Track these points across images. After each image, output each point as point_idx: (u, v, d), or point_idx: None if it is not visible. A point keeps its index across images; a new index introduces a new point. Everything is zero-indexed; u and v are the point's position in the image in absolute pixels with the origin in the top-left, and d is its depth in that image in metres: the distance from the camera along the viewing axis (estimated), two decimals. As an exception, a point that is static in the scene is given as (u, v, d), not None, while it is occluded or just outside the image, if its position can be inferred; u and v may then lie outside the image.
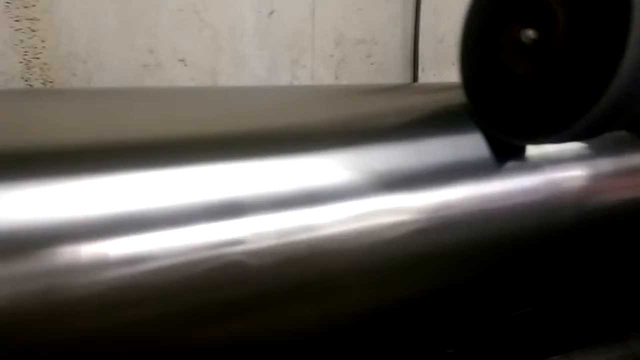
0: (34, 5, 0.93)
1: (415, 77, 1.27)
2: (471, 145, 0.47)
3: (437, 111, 0.51)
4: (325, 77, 1.21)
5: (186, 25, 1.05)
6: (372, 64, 1.24)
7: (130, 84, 1.05)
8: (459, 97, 0.50)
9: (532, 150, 0.48)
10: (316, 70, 1.20)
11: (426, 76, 1.29)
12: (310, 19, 1.14)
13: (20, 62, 0.95)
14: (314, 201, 0.41)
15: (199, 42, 1.07)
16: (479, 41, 0.46)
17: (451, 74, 1.26)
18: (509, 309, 0.56)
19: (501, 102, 0.44)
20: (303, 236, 0.40)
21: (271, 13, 1.11)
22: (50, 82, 1.00)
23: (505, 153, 0.46)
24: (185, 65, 1.08)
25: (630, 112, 0.38)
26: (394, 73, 1.27)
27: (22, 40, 0.94)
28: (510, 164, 0.47)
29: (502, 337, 0.63)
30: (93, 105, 0.50)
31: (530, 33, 0.39)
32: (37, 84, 0.98)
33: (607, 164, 0.49)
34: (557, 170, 0.49)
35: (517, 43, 0.40)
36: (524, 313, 0.60)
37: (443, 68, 1.27)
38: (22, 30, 0.94)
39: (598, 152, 0.49)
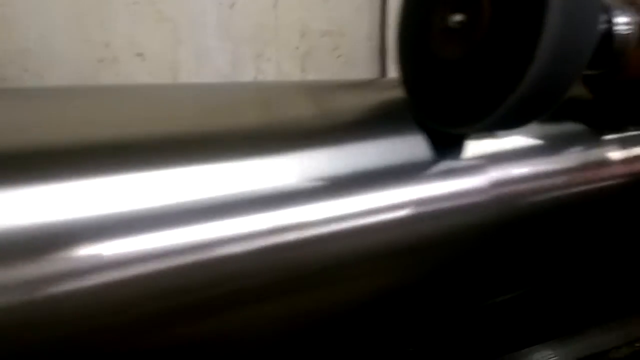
0: (-21, -1, 0.90)
1: (384, 70, 1.25)
2: (417, 143, 0.45)
3: (391, 108, 0.49)
4: (291, 70, 1.18)
5: (143, 18, 1.02)
6: (339, 56, 1.22)
7: (85, 79, 1.02)
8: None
9: (478, 148, 0.46)
10: (281, 63, 1.17)
11: (394, 67, 1.27)
12: (274, 10, 1.11)
13: (-33, 58, 0.92)
14: (252, 207, 0.38)
15: (157, 36, 1.04)
16: (412, 29, 0.44)
17: (421, 66, 1.24)
18: (460, 306, 0.55)
19: (433, 90, 0.42)
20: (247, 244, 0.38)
21: (233, 5, 1.08)
22: (3, 79, 0.97)
23: (450, 150, 0.45)
24: (144, 59, 1.04)
25: (550, 100, 0.37)
26: (363, 65, 1.24)
27: (-32, 35, 0.91)
28: (455, 161, 0.46)
29: (470, 331, 0.62)
30: (51, 104, 0.47)
31: (456, 17, 0.38)
32: (-14, 81, 0.94)
33: (554, 160, 0.50)
34: (501, 167, 0.48)
35: (445, 29, 0.39)
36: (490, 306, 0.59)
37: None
38: (-32, 25, 0.90)
39: (543, 148, 0.49)
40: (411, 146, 0.46)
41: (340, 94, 0.53)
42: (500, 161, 0.48)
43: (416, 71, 0.45)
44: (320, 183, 0.41)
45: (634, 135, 0.54)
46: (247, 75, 1.15)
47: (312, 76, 1.21)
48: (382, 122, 0.48)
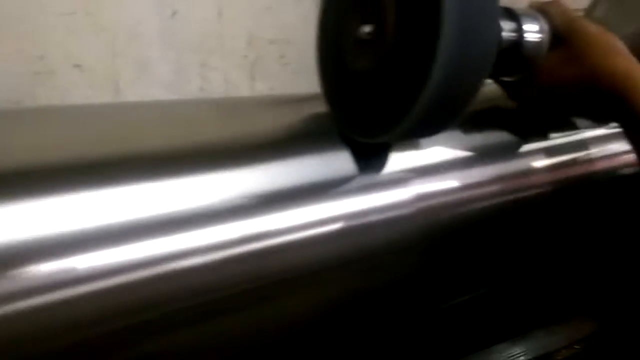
0: None
1: (334, 76, 1.25)
2: (342, 158, 0.45)
3: (318, 123, 0.48)
4: (239, 79, 1.16)
5: (79, 28, 0.98)
6: (286, 64, 1.21)
7: (21, 93, 0.98)
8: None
9: (404, 161, 0.46)
10: (229, 72, 1.15)
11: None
12: (218, 18, 1.09)
13: None
14: (183, 225, 0.37)
15: (95, 47, 1.00)
16: (328, 41, 0.44)
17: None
18: (390, 318, 0.55)
19: (350, 102, 0.42)
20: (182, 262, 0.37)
21: (174, 14, 1.06)
22: None
23: (376, 163, 0.45)
24: (82, 71, 1.01)
25: (454, 109, 0.37)
26: (310, 73, 1.23)
27: None
28: (380, 174, 0.45)
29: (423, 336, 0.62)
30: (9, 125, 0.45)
31: (365, 29, 0.38)
32: None
33: (478, 171, 0.50)
34: (426, 178, 0.48)
35: (358, 40, 0.39)
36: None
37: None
38: None
39: (468, 159, 0.49)
40: (336, 160, 0.46)
41: (267, 110, 0.52)
42: (424, 173, 0.48)
43: (334, 83, 0.45)
44: (244, 201, 0.40)
45: (556, 143, 0.54)
46: (192, 84, 1.12)
47: (261, 84, 1.19)
48: (309, 137, 0.47)
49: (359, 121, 0.42)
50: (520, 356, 0.62)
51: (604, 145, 0.57)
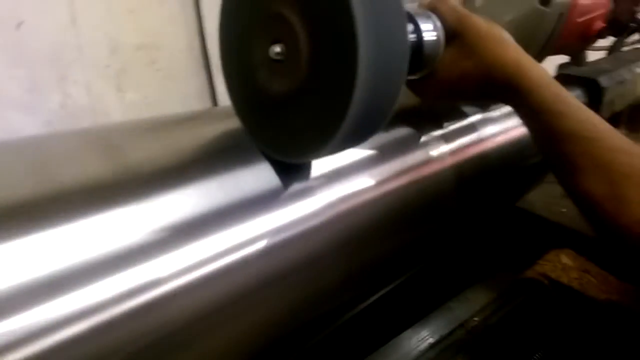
0: None
1: (211, 80, 1.19)
2: (262, 174, 0.43)
3: (230, 141, 0.45)
4: (104, 91, 1.06)
5: None
6: (158, 70, 1.13)
7: None
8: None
9: (318, 169, 0.46)
10: (92, 84, 1.04)
11: (221, 76, 1.22)
12: (72, 26, 0.98)
13: None
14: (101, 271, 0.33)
15: None
16: (236, 62, 0.42)
17: (248, 72, 1.20)
18: (328, 322, 0.55)
19: (268, 123, 0.40)
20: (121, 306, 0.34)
21: (19, 25, 0.92)
22: None
23: (293, 175, 0.44)
24: None
25: (376, 123, 0.37)
26: (186, 77, 1.17)
27: None
28: (298, 185, 0.44)
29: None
30: None
31: (276, 49, 0.35)
32: None
33: (387, 167, 0.51)
34: (347, 181, 0.48)
35: (269, 60, 0.36)
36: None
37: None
38: None
39: (377, 158, 0.50)
40: (253, 176, 0.43)
41: (176, 130, 0.48)
42: (332, 179, 0.48)
43: (248, 105, 0.42)
44: (166, 232, 0.37)
45: (450, 130, 0.57)
46: (52, 101, 1.00)
47: (130, 95, 1.10)
48: (224, 156, 0.44)
49: (280, 142, 0.40)
50: (428, 338, 0.65)
51: (490, 125, 0.62)
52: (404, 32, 0.34)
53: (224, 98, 1.21)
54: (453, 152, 0.57)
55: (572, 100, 0.44)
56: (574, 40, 0.64)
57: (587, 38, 0.67)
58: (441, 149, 0.56)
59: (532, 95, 0.44)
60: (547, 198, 0.79)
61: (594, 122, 0.43)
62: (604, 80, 0.83)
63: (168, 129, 0.45)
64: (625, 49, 1.15)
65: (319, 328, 0.53)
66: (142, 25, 1.07)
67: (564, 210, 0.75)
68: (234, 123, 0.45)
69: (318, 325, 0.52)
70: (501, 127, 0.64)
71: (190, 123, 0.47)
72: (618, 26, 0.73)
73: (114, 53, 1.05)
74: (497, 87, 0.46)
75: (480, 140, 0.61)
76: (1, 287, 0.29)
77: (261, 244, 0.41)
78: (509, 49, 0.45)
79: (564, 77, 0.86)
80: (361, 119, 0.33)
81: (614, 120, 0.96)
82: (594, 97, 0.84)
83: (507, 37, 0.47)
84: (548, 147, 0.45)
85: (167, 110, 1.18)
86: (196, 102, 1.21)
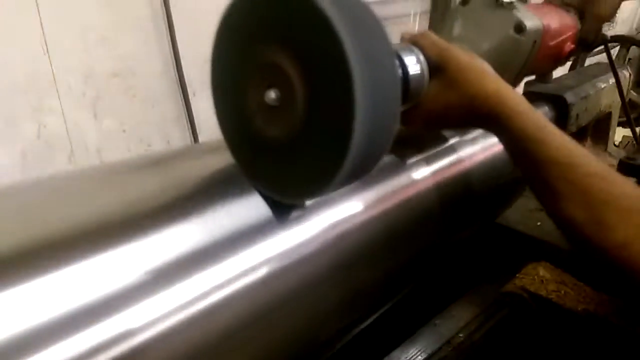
0: None
1: (187, 103, 1.19)
2: (254, 206, 0.43)
3: (215, 177, 0.46)
4: (81, 120, 1.05)
5: None
6: (134, 96, 1.12)
7: None
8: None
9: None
10: (68, 113, 1.03)
11: (199, 100, 1.22)
12: (45, 55, 0.97)
13: None
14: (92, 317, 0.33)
15: None
16: (230, 106, 0.41)
17: (224, 94, 1.21)
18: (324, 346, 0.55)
19: (265, 164, 0.41)
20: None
21: (-10, 55, 0.91)
22: None
23: (287, 208, 0.45)
24: None
25: (372, 162, 0.39)
26: (162, 102, 1.17)
27: None
28: (294, 217, 0.45)
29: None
30: None
31: (271, 95, 0.36)
32: None
33: (372, 193, 0.52)
34: (336, 207, 0.49)
35: (264, 106, 0.37)
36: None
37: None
38: None
39: (363, 184, 0.51)
40: (244, 209, 0.44)
41: (157, 169, 0.48)
42: (328, 205, 0.49)
43: (243, 148, 0.43)
44: (163, 268, 0.37)
45: (432, 153, 0.59)
46: (27, 131, 0.99)
47: (107, 122, 1.09)
48: (213, 191, 0.45)
49: (279, 184, 0.41)
50: (418, 355, 0.67)
51: (469, 146, 0.65)
52: (395, 72, 0.36)
53: (200, 121, 1.22)
54: (434, 173, 0.59)
55: (550, 128, 0.46)
56: (547, 63, 0.67)
57: (559, 59, 0.70)
58: (423, 171, 0.58)
59: (512, 124, 0.46)
60: (522, 212, 0.82)
61: (570, 148, 0.45)
62: (569, 97, 0.87)
63: (145, 170, 0.46)
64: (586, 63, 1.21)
65: (316, 356, 0.54)
66: (116, 51, 1.06)
67: (539, 223, 0.78)
68: (217, 158, 0.46)
69: (315, 352, 0.53)
70: (479, 147, 0.67)
71: (171, 161, 0.48)
72: (585, 45, 0.77)
73: (88, 80, 1.05)
74: (479, 117, 0.48)
75: (460, 161, 0.63)
76: None
77: (255, 275, 0.41)
78: (490, 80, 0.48)
79: (531, 94, 0.90)
80: (360, 159, 0.34)
81: (580, 133, 1.01)
82: (561, 112, 0.88)
83: (487, 68, 0.49)
84: (529, 172, 0.47)
85: (145, 136, 1.18)
86: (174, 126, 1.21)
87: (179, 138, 1.20)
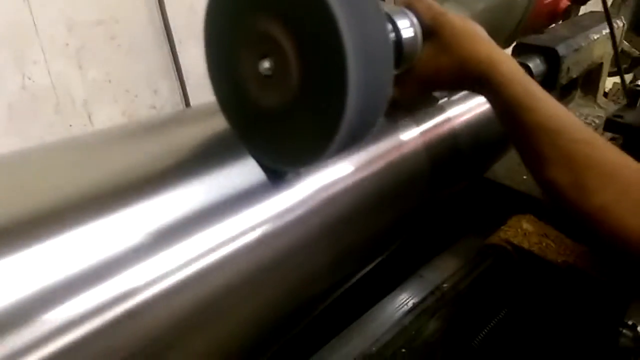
0: None
1: (174, 52, 1.16)
2: (248, 170, 0.44)
3: (209, 142, 0.46)
4: (65, 70, 1.03)
5: None
6: (119, 45, 1.10)
7: None
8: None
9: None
10: (52, 63, 1.01)
11: (185, 48, 1.19)
12: (26, 6, 0.94)
13: None
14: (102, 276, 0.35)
15: None
16: (225, 73, 0.41)
17: (211, 42, 1.19)
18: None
19: (260, 132, 0.41)
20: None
21: (-32, 4, 0.88)
22: None
23: (280, 172, 0.46)
24: None
25: (367, 129, 0.39)
26: (148, 51, 1.14)
27: None
28: (287, 180, 0.46)
29: None
30: None
31: (265, 64, 0.36)
32: None
33: (364, 154, 0.53)
34: (327, 170, 0.50)
35: (259, 75, 0.37)
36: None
37: (202, 37, 1.19)
38: None
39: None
40: (239, 173, 0.44)
41: (151, 135, 0.49)
42: (319, 167, 0.50)
43: (239, 115, 0.43)
44: (165, 229, 0.38)
45: (423, 112, 0.60)
46: (12, 83, 0.97)
47: (92, 73, 1.07)
48: (209, 156, 0.45)
49: (276, 152, 0.42)
50: (404, 305, 0.70)
51: (456, 106, 0.65)
52: (387, 36, 0.36)
53: (188, 71, 1.19)
54: (423, 133, 0.60)
55: (540, 94, 0.46)
56: (541, 21, 0.66)
57: (554, 17, 0.69)
58: (412, 132, 0.58)
59: (503, 90, 0.46)
60: (509, 166, 0.83)
61: (559, 115, 0.45)
62: (561, 49, 0.86)
63: (142, 136, 0.46)
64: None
65: (310, 310, 0.56)
66: (98, 0, 1.03)
67: (525, 177, 0.80)
68: (212, 122, 0.46)
69: (309, 307, 0.55)
70: (467, 106, 0.67)
71: (167, 126, 0.48)
72: (581, 0, 0.75)
73: (71, 30, 1.01)
74: (471, 81, 0.48)
75: (448, 119, 0.64)
76: None
77: (252, 235, 0.42)
78: (482, 44, 0.48)
79: (523, 45, 0.89)
80: (354, 127, 0.35)
81: (570, 84, 1.00)
82: (553, 65, 0.87)
83: (481, 32, 0.49)
84: (518, 138, 0.48)
85: (132, 86, 1.16)
86: (160, 76, 1.18)
87: (166, 87, 1.18)
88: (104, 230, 0.35)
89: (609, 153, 0.44)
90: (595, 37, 0.95)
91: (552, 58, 0.87)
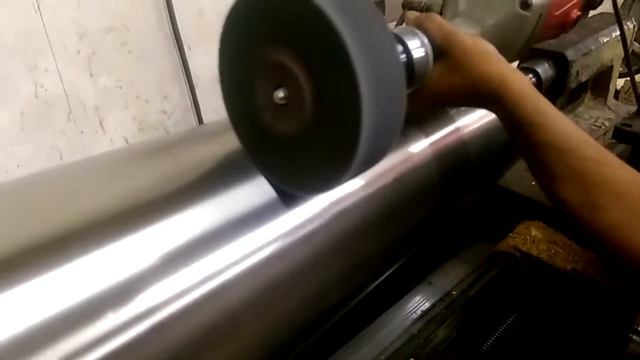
0: None
1: (183, 58, 1.17)
2: (260, 189, 0.46)
3: (222, 161, 0.47)
4: (77, 78, 1.04)
5: None
6: (129, 52, 1.11)
7: None
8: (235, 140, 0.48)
9: None
10: (64, 72, 1.02)
11: (195, 53, 1.20)
12: (37, 13, 0.95)
13: None
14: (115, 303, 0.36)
15: None
16: (240, 100, 0.42)
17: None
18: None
19: (275, 158, 0.42)
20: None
21: (-19, 15, 0.89)
22: None
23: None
24: None
25: (383, 152, 0.40)
26: (158, 58, 1.15)
27: None
28: (298, 197, 0.47)
29: None
30: None
31: (279, 94, 0.36)
32: None
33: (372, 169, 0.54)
34: (338, 188, 0.51)
35: (273, 103, 0.37)
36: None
37: (211, 42, 1.20)
38: None
39: None
40: (252, 191, 0.45)
41: (171, 153, 0.50)
42: None
43: (255, 142, 0.43)
44: (184, 246, 0.39)
45: (432, 122, 0.60)
46: (25, 92, 0.98)
47: (103, 79, 1.08)
48: (225, 175, 0.46)
49: (293, 177, 0.42)
50: (431, 297, 0.70)
51: (465, 115, 0.65)
52: (398, 61, 0.36)
53: (197, 77, 1.20)
54: (433, 144, 0.60)
55: (551, 111, 0.46)
56: (551, 33, 0.66)
57: (564, 28, 0.69)
58: (421, 143, 0.59)
59: (514, 108, 0.46)
60: (517, 172, 0.83)
61: (570, 133, 0.45)
62: (570, 54, 0.86)
63: (157, 155, 0.47)
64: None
65: (322, 323, 0.56)
66: (109, 7, 1.04)
67: (534, 183, 0.80)
68: (222, 142, 0.47)
69: (321, 321, 0.56)
70: (477, 115, 0.67)
71: (178, 146, 0.49)
72: (591, 6, 0.75)
73: (83, 38, 1.03)
74: (482, 99, 0.49)
75: (457, 130, 0.64)
76: (17, 329, 0.31)
77: (268, 251, 0.43)
78: (493, 62, 0.48)
79: (531, 50, 0.88)
80: (369, 151, 0.36)
81: (580, 86, 1.00)
82: (561, 69, 0.87)
83: (492, 50, 0.49)
84: (529, 155, 0.48)
85: (142, 92, 1.17)
86: (170, 81, 1.19)
87: (176, 93, 1.19)
88: (119, 253, 0.36)
89: (620, 171, 0.44)
90: (605, 40, 0.95)
91: (560, 63, 0.86)
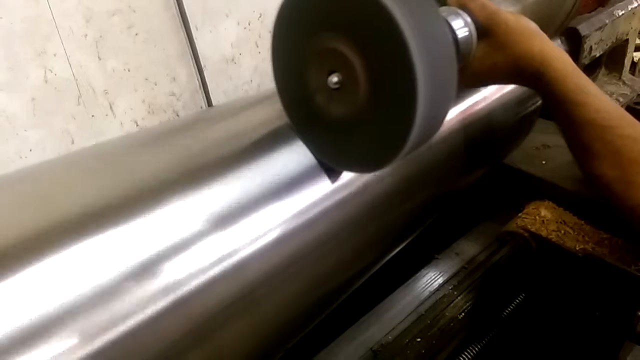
0: None
1: (190, 38, 1.16)
2: (294, 158, 0.47)
3: (257, 132, 0.49)
4: (86, 62, 1.04)
5: None
6: (136, 34, 1.10)
7: None
8: (272, 111, 0.50)
9: None
10: (72, 56, 1.02)
11: (202, 34, 1.19)
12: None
13: None
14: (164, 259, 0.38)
15: None
16: (292, 83, 0.43)
17: (228, 26, 1.18)
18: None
19: (327, 138, 0.43)
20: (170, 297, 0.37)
21: (-12, 0, 0.89)
22: None
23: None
24: None
25: (437, 126, 0.41)
26: (165, 39, 1.15)
27: None
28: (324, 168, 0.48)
29: None
30: None
31: (333, 79, 0.37)
32: None
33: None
34: None
35: (326, 87, 0.39)
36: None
37: (217, 22, 1.18)
38: None
39: None
40: (289, 161, 0.47)
41: (217, 122, 0.51)
42: None
43: (307, 123, 0.44)
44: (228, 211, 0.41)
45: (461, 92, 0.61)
46: (34, 78, 0.98)
47: (111, 63, 1.08)
48: (264, 144, 0.47)
49: (345, 157, 0.43)
50: (439, 277, 0.71)
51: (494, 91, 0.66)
52: (449, 40, 0.37)
53: (205, 57, 1.20)
54: (462, 112, 0.62)
55: (592, 89, 0.47)
56: (590, 7, 0.64)
57: (602, 1, 0.67)
58: (451, 112, 0.59)
59: (556, 85, 0.47)
60: (527, 149, 0.82)
61: (609, 111, 0.46)
62: (583, 29, 0.84)
63: (203, 124, 0.49)
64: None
65: (339, 295, 0.58)
66: (115, -12, 1.03)
67: (544, 162, 0.79)
68: (263, 112, 0.49)
69: (339, 291, 0.58)
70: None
71: (221, 117, 0.51)
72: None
73: (89, 21, 1.02)
74: (525, 77, 0.49)
75: (485, 98, 0.64)
76: (56, 299, 0.32)
77: (300, 219, 0.45)
78: (536, 41, 0.48)
79: (543, 25, 0.86)
80: (422, 131, 0.36)
81: (594, 61, 0.98)
82: (574, 44, 0.85)
83: (534, 29, 0.49)
84: (568, 132, 0.49)
85: (151, 74, 1.17)
86: (178, 63, 1.19)
87: (184, 74, 1.19)
88: (168, 217, 0.37)
89: None
90: (621, 13, 0.92)
91: (573, 38, 0.85)
